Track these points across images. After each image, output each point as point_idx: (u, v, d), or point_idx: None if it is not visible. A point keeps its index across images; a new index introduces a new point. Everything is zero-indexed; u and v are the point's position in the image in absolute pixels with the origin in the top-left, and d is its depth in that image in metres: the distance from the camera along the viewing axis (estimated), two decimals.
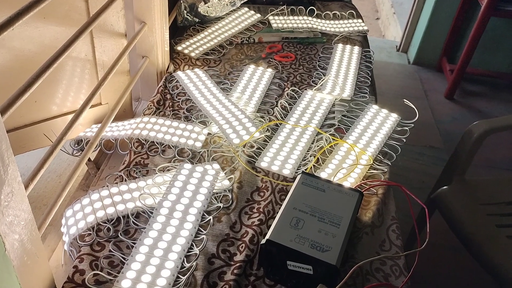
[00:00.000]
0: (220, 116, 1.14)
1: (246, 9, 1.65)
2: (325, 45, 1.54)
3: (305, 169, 1.02)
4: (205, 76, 1.30)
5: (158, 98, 1.19)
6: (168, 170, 0.98)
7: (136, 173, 0.97)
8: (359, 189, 0.93)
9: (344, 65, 1.43)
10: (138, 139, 1.06)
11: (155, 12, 1.18)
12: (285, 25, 1.59)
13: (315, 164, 1.04)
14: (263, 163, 1.03)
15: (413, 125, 1.19)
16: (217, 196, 0.94)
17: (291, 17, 1.64)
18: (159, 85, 1.24)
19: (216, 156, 1.04)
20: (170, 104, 1.19)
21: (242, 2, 1.64)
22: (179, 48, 1.41)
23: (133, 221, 0.86)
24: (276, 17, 1.63)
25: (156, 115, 1.14)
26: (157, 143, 1.05)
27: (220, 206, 0.92)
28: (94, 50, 1.10)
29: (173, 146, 1.05)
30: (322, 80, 1.33)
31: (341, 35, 1.60)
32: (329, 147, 1.09)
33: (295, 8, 1.69)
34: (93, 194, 0.91)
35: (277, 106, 1.21)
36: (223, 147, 1.06)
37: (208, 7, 1.52)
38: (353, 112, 1.22)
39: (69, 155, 1.07)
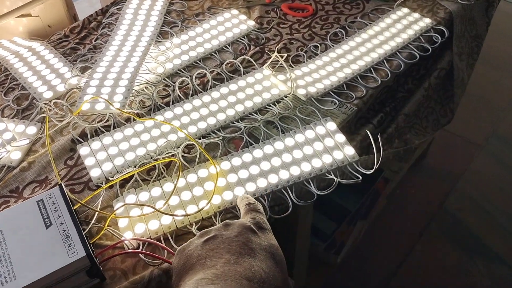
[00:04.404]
0: (103, 68, 0.82)
1: None
2: (382, 6, 0.97)
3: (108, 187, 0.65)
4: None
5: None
6: None
7: None
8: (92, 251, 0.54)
9: (370, 44, 0.87)
10: None
11: None
12: None
13: (139, 182, 0.66)
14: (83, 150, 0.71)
15: (360, 178, 0.64)
16: None
17: None
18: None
19: None
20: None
21: None
22: None
23: None
24: None
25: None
26: None
27: None
28: None
29: None
30: (271, 58, 0.82)
31: None
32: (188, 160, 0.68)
33: None
34: None
35: (190, 79, 0.81)
36: None
37: None
38: (291, 123, 0.73)
39: None
